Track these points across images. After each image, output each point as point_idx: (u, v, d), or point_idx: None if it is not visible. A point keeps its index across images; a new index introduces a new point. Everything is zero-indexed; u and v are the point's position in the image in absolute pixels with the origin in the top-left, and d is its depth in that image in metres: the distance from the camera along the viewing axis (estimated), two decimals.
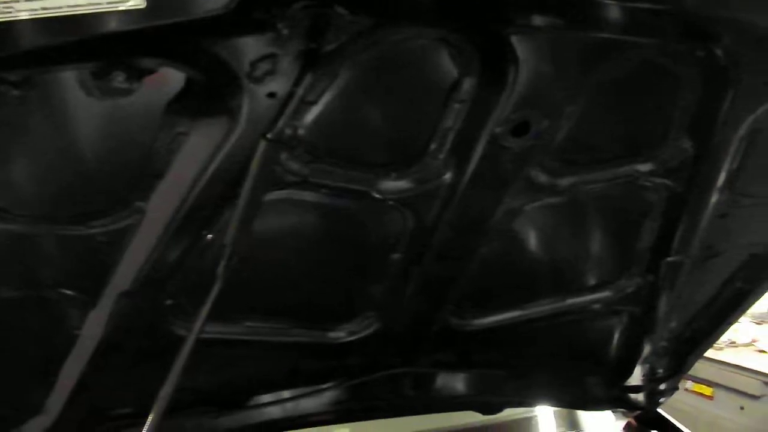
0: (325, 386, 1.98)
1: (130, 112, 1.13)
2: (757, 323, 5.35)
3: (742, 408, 4.34)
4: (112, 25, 0.92)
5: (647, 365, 2.27)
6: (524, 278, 1.88)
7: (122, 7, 0.90)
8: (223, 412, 1.95)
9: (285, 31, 1.04)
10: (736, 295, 2.07)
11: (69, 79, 1.06)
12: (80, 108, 1.11)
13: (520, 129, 1.33)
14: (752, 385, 4.27)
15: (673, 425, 2.59)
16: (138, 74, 1.06)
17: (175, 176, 1.25)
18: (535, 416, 2.73)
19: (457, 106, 1.30)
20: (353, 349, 1.84)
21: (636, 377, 2.34)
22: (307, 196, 1.40)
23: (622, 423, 2.65)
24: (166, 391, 1.32)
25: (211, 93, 1.13)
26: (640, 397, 2.46)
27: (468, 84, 1.26)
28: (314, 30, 1.06)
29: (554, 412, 2.74)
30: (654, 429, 2.57)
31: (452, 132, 1.35)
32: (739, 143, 1.55)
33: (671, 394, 2.52)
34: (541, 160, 1.46)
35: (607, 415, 2.72)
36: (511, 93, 1.25)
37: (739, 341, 4.80)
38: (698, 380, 4.64)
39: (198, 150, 1.21)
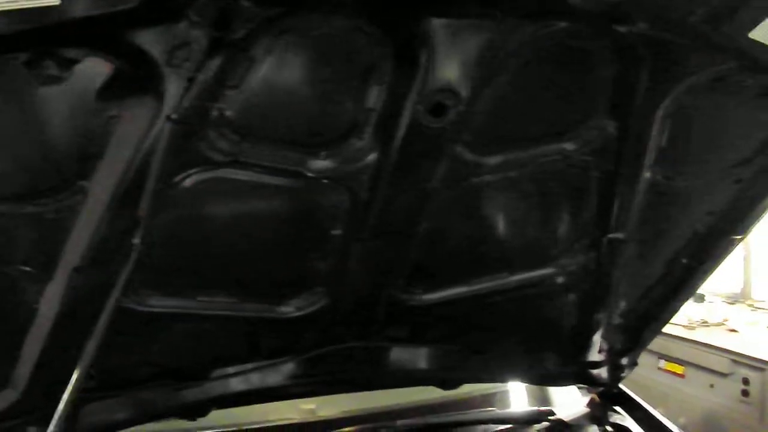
0: (281, 360, 2.04)
1: (67, 97, 1.20)
2: (729, 303, 5.44)
3: (711, 386, 4.44)
4: (32, 21, 0.98)
5: (604, 341, 2.33)
6: (469, 255, 1.94)
7: (38, 3, 0.95)
8: (185, 385, 2.02)
9: (195, 20, 1.10)
10: (684, 272, 2.12)
11: (6, 67, 1.12)
12: (22, 94, 1.18)
13: (437, 110, 1.39)
14: (721, 363, 4.36)
15: (635, 401, 2.65)
16: (68, 63, 1.12)
17: (112, 157, 1.32)
18: (507, 391, 2.79)
19: (376, 87, 1.36)
20: (305, 324, 1.91)
21: (594, 353, 2.40)
22: (242, 175, 1.47)
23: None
24: (83, 363, 1.45)
25: (136, 79, 1.19)
26: (602, 372, 2.53)
27: (383, 67, 1.33)
28: (221, 20, 1.12)
29: (526, 387, 2.79)
30: (616, 405, 2.62)
31: (374, 113, 1.42)
32: (663, 122, 1.61)
33: (631, 370, 2.58)
34: (465, 139, 1.52)
35: (574, 391, 2.79)
36: (425, 77, 1.33)
37: (710, 320, 4.88)
38: (670, 359, 4.75)
39: (129, 132, 1.28)
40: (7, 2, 0.97)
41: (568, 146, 1.66)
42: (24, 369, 1.72)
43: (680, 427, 4.50)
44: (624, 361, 2.51)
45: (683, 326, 4.81)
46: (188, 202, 1.49)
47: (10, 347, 1.69)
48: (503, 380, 2.58)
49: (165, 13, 1.11)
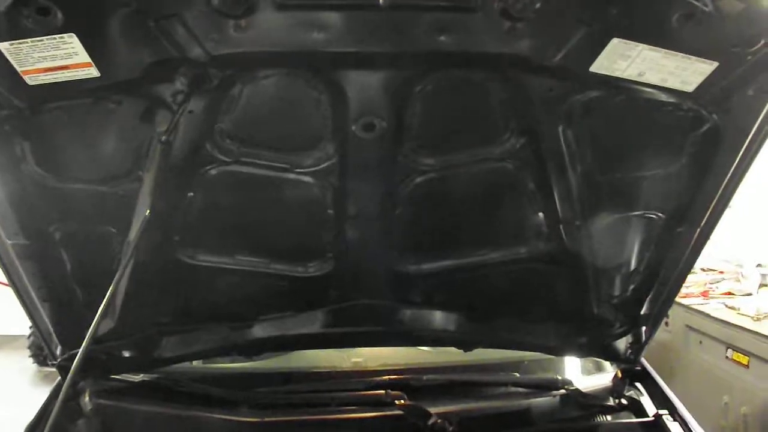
0: (312, 311, 2.50)
1: (124, 120, 1.79)
2: None
3: None
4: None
5: (603, 317, 2.53)
6: (446, 233, 2.28)
7: (77, 76, 1.58)
8: (238, 326, 2.52)
9: (182, 80, 1.70)
10: (653, 256, 2.30)
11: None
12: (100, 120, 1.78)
13: (368, 127, 1.81)
14: None
15: (655, 380, 2.80)
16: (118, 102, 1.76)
17: (153, 156, 1.87)
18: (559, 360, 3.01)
19: (324, 114, 1.80)
20: (325, 283, 2.34)
21: (600, 328, 2.60)
22: (246, 169, 1.95)
23: None
24: (105, 302, 1.91)
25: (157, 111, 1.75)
26: (620, 347, 2.69)
27: (325, 101, 1.77)
28: (195, 80, 1.71)
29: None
30: (637, 382, 2.79)
31: (327, 130, 1.86)
32: (567, 133, 1.90)
33: (644, 348, 2.69)
34: (403, 145, 1.92)
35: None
36: (356, 106, 1.76)
37: None
38: (736, 349, 4.76)
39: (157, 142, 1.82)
40: (47, 76, 1.52)
41: (493, 151, 1.97)
42: (116, 304, 2.23)
43: (742, 416, 4.62)
44: (641, 336, 2.64)
45: (751, 317, 4.82)
46: (216, 186, 1.98)
47: (105, 286, 2.13)
48: (514, 347, 2.80)
49: (163, 76, 1.66)
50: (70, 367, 2.33)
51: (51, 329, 2.29)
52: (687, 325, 5.31)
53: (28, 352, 8.66)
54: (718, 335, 4.99)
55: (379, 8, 1.46)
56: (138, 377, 2.65)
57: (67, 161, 1.89)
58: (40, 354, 8.61)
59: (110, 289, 1.91)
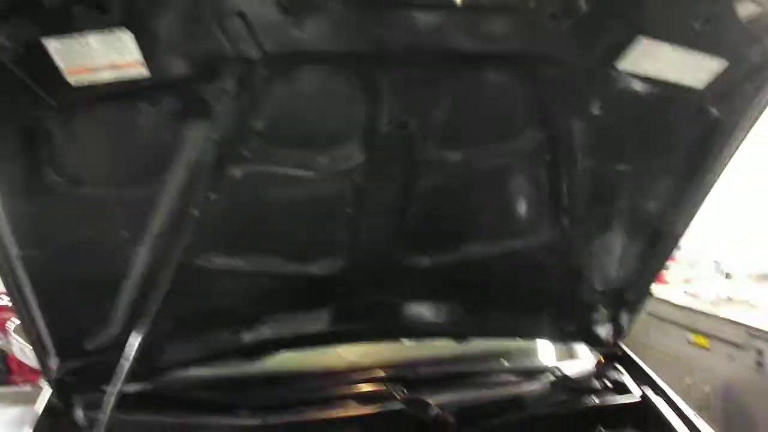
0: (319, 310, 2.53)
1: (154, 122, 1.75)
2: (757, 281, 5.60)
3: (732, 358, 4.64)
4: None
5: (591, 304, 2.67)
6: (454, 228, 2.35)
7: (128, 76, 1.54)
8: (242, 327, 2.52)
9: (228, 79, 1.68)
10: (645, 247, 2.43)
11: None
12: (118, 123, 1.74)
13: (401, 125, 1.87)
14: (739, 337, 4.56)
15: (635, 361, 2.92)
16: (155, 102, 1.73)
17: (181, 159, 1.86)
18: (536, 345, 3.10)
19: (357, 111, 1.84)
20: (334, 281, 2.37)
21: (588, 315, 2.75)
22: (273, 168, 1.97)
23: None
24: (150, 308, 1.94)
25: (196, 111, 1.75)
26: (602, 333, 2.84)
27: (360, 98, 1.80)
28: (241, 79, 1.69)
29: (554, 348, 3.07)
30: (618, 364, 2.91)
31: (359, 128, 1.89)
32: (582, 127, 1.98)
33: (625, 333, 2.87)
34: (428, 142, 1.97)
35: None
36: (389, 104, 1.82)
37: (735, 297, 5.08)
38: (698, 332, 4.96)
39: (192, 143, 1.82)
40: (92, 76, 1.49)
41: (511, 145, 2.04)
42: (120, 312, 2.22)
43: (705, 395, 4.80)
44: (622, 322, 2.80)
45: (710, 302, 5.04)
46: (239, 187, 1.98)
47: (110, 295, 2.19)
48: (507, 336, 2.92)
49: (209, 76, 1.64)
50: (67, 382, 2.35)
51: (48, 342, 2.24)
52: (648, 312, 5.49)
53: None
54: (679, 320, 5.20)
55: (455, 9, 1.48)
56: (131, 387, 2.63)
57: (90, 165, 1.84)
58: None
59: (153, 298, 1.93)
